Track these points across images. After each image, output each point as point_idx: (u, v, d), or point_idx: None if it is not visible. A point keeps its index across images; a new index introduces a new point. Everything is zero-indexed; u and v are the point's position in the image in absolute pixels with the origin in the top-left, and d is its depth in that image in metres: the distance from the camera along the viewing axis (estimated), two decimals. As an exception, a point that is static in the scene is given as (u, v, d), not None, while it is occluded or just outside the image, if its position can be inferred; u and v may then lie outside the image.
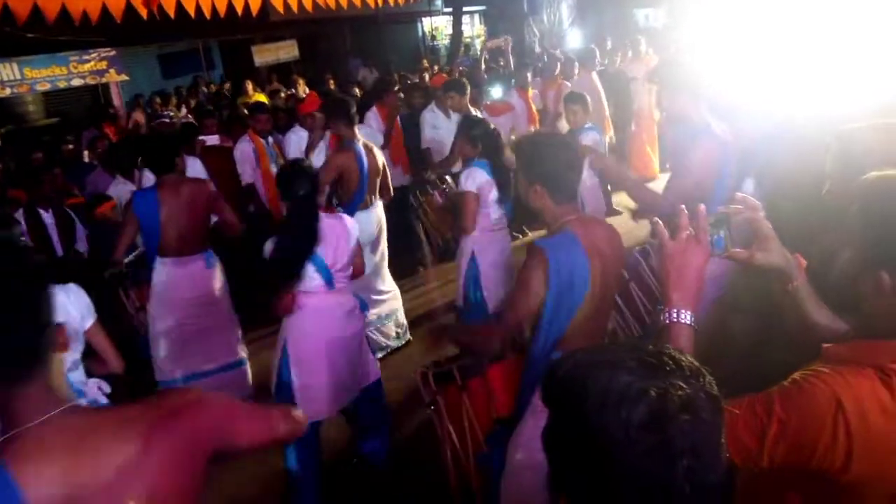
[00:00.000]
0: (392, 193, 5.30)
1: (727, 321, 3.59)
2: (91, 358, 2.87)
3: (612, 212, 6.03)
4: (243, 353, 4.52)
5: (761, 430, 1.34)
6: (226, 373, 4.39)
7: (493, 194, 4.11)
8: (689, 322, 1.46)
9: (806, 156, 2.81)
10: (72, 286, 2.76)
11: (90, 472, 1.19)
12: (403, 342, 5.25)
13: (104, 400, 2.83)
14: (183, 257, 4.18)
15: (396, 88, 7.18)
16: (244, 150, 5.91)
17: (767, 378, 1.47)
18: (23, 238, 3.13)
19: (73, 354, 2.76)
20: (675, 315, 1.47)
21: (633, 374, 0.91)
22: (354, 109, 4.91)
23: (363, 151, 4.79)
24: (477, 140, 4.27)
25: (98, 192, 5.62)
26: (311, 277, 3.31)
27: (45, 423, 1.21)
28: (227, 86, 11.39)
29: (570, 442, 0.95)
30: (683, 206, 1.54)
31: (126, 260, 4.39)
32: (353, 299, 3.52)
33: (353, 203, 4.82)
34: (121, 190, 5.46)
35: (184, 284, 4.19)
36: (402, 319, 5.30)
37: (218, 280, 4.35)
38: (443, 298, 5.98)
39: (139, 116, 10.26)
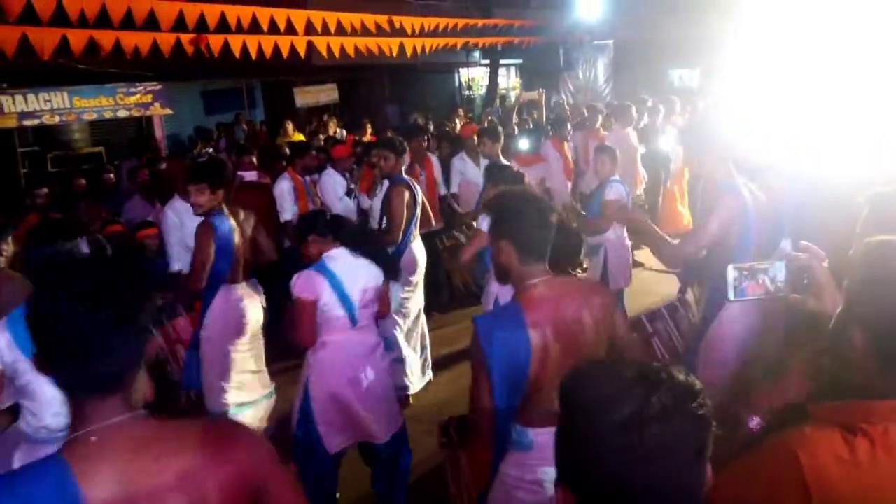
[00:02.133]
0: (433, 222, 5.50)
1: (755, 383, 3.55)
2: None
3: (635, 263, 6.03)
4: (271, 384, 4.49)
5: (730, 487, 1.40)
6: (259, 404, 4.36)
7: None
8: None
9: (838, 218, 2.82)
10: None
11: (149, 477, 1.24)
12: (425, 382, 5.27)
13: None
14: (243, 283, 4.22)
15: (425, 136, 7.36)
16: (284, 187, 6.04)
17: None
18: (84, 249, 3.14)
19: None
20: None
21: (625, 381, 1.00)
22: (403, 145, 5.09)
23: (412, 183, 4.96)
24: (495, 184, 4.34)
25: (135, 219, 5.76)
26: (336, 313, 3.35)
27: (110, 427, 1.25)
28: (291, 127, 11.48)
29: (564, 437, 1.07)
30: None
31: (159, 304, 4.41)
32: (377, 338, 3.55)
33: (406, 237, 4.93)
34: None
35: (241, 308, 4.17)
36: (429, 359, 5.35)
37: (263, 305, 4.39)
38: (462, 342, 5.99)
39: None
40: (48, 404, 2.58)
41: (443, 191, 6.85)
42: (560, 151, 7.70)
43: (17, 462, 2.68)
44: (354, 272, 3.39)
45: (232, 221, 4.09)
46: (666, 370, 1.02)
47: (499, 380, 2.10)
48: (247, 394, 4.27)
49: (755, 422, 1.71)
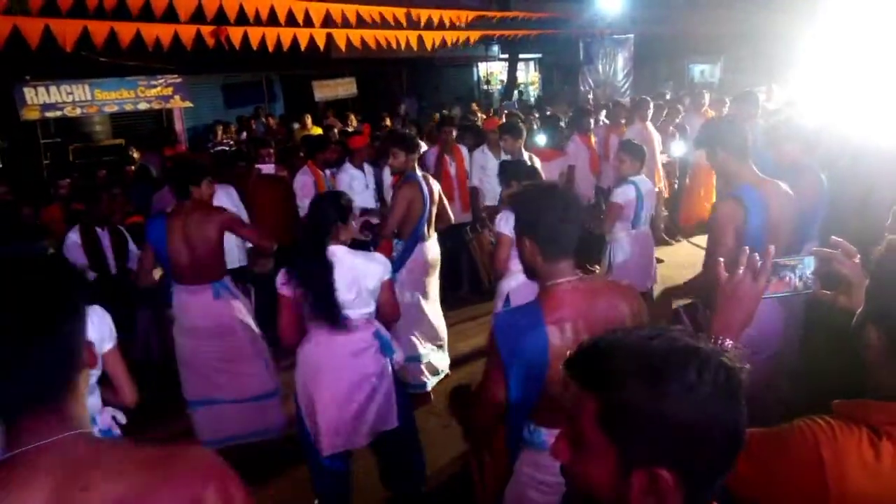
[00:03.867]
0: (452, 219, 5.38)
1: (774, 381, 3.52)
2: (106, 386, 2.72)
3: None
4: (275, 384, 4.39)
5: (753, 462, 1.41)
6: (256, 403, 4.32)
7: None
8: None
9: (873, 215, 2.77)
10: (96, 308, 2.61)
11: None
12: (442, 376, 5.25)
13: (117, 431, 2.70)
14: (193, 285, 4.16)
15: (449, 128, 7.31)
16: (304, 181, 6.00)
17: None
18: (49, 251, 3.02)
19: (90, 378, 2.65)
20: (715, 341, 1.55)
21: (684, 341, 1.01)
22: (414, 141, 4.99)
23: (423, 182, 4.85)
24: (509, 180, 4.28)
25: (165, 210, 5.78)
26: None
27: (43, 449, 1.13)
28: (310, 120, 11.46)
29: (638, 409, 0.98)
30: (746, 248, 1.57)
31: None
32: (369, 339, 3.30)
33: (415, 235, 4.86)
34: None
35: (195, 312, 4.18)
36: (447, 356, 5.32)
37: (233, 310, 4.25)
38: (483, 333, 5.97)
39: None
40: None
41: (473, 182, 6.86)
42: (587, 145, 7.63)
43: None
44: (344, 271, 3.16)
45: (168, 222, 4.08)
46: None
47: (514, 377, 2.05)
48: (226, 392, 4.24)
49: None
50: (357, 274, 3.18)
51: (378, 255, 3.41)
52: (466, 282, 6.84)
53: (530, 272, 2.23)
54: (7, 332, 1.11)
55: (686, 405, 0.95)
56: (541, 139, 7.49)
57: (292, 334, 3.24)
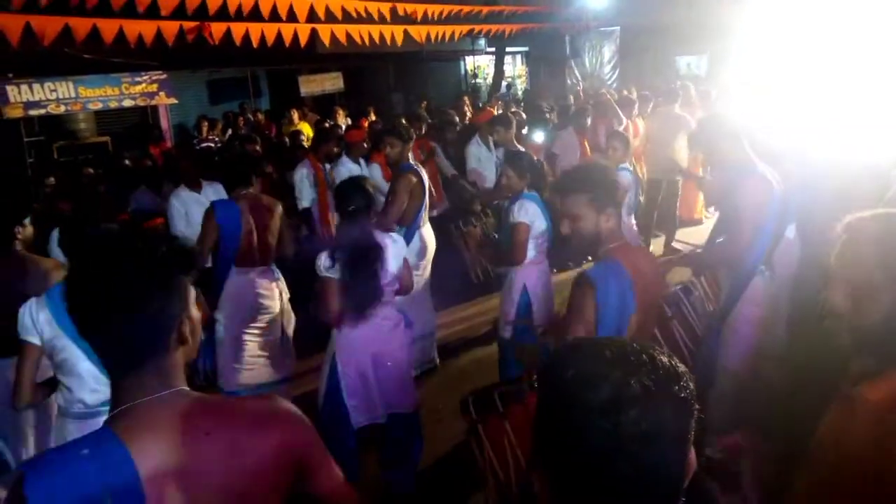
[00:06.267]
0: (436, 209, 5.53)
1: (760, 367, 3.55)
2: None
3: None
4: (289, 371, 4.55)
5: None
6: (272, 389, 4.37)
7: (541, 226, 4.10)
8: None
9: (852, 202, 2.78)
10: None
11: (193, 452, 1.24)
12: (431, 367, 5.27)
13: None
14: (255, 268, 4.31)
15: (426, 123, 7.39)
16: (304, 175, 6.01)
17: (794, 419, 1.59)
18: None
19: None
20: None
21: (604, 363, 0.96)
22: (409, 132, 5.13)
23: (421, 170, 4.97)
24: (524, 172, 4.30)
25: (143, 208, 5.74)
26: None
27: (154, 402, 1.26)
28: (297, 115, 11.42)
29: (542, 418, 1.02)
30: None
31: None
32: (398, 314, 3.58)
33: (416, 221, 4.99)
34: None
35: (254, 293, 4.30)
36: (434, 344, 5.34)
37: (283, 293, 4.47)
38: (472, 328, 6.02)
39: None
40: (84, 380, 2.64)
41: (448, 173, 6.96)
42: (581, 143, 7.63)
43: (55, 434, 2.77)
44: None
45: (240, 206, 4.21)
46: (648, 352, 0.98)
47: (605, 325, 2.29)
48: (259, 376, 4.33)
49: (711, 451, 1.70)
50: (389, 254, 3.40)
51: (394, 234, 3.62)
52: (458, 277, 6.83)
53: (590, 243, 2.51)
54: (125, 277, 1.23)
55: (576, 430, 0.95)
56: (538, 136, 7.52)
57: (339, 315, 3.36)
